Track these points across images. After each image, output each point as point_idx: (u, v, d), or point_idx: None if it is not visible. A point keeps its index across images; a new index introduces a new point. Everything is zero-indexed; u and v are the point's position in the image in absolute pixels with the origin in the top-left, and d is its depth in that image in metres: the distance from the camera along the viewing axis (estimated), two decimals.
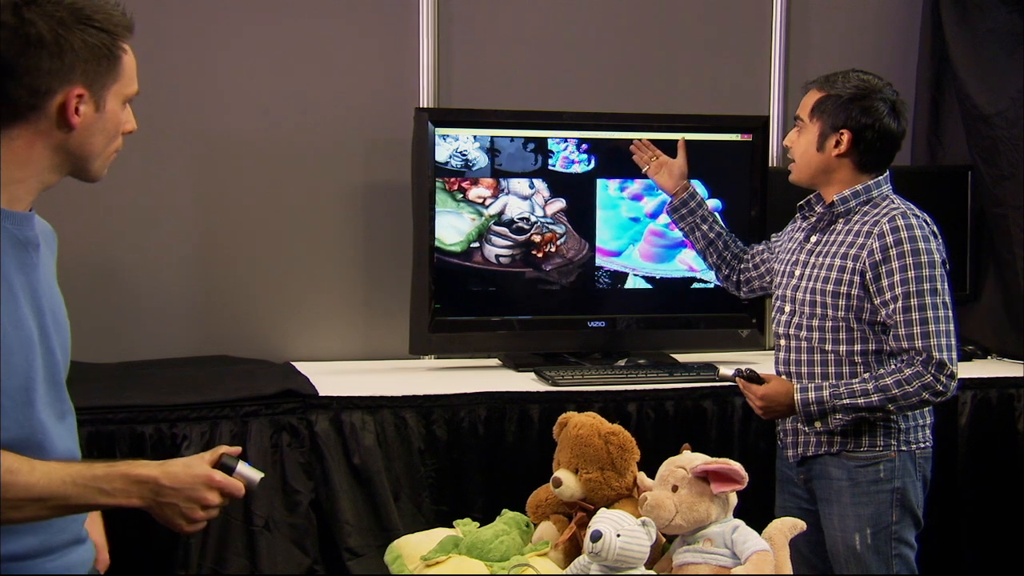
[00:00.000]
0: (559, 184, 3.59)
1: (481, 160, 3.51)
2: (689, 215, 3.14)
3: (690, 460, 2.08)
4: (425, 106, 3.64)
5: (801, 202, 2.88)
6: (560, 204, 3.62)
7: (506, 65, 3.79)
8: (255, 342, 3.60)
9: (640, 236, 3.70)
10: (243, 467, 1.78)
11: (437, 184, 3.47)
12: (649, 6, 3.92)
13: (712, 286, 3.69)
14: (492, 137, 3.50)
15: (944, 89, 4.09)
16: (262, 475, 1.83)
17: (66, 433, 1.76)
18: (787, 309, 2.82)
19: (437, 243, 3.49)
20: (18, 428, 1.66)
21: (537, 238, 3.63)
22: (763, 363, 3.69)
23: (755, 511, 2.14)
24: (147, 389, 3.08)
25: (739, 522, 2.05)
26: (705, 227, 3.13)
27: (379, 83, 3.68)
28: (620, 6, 3.90)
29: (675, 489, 2.05)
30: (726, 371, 2.83)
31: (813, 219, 2.83)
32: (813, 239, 2.81)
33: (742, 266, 3.12)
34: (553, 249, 3.65)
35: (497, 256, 3.59)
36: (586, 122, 3.60)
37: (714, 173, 3.67)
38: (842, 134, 2.72)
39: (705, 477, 2.04)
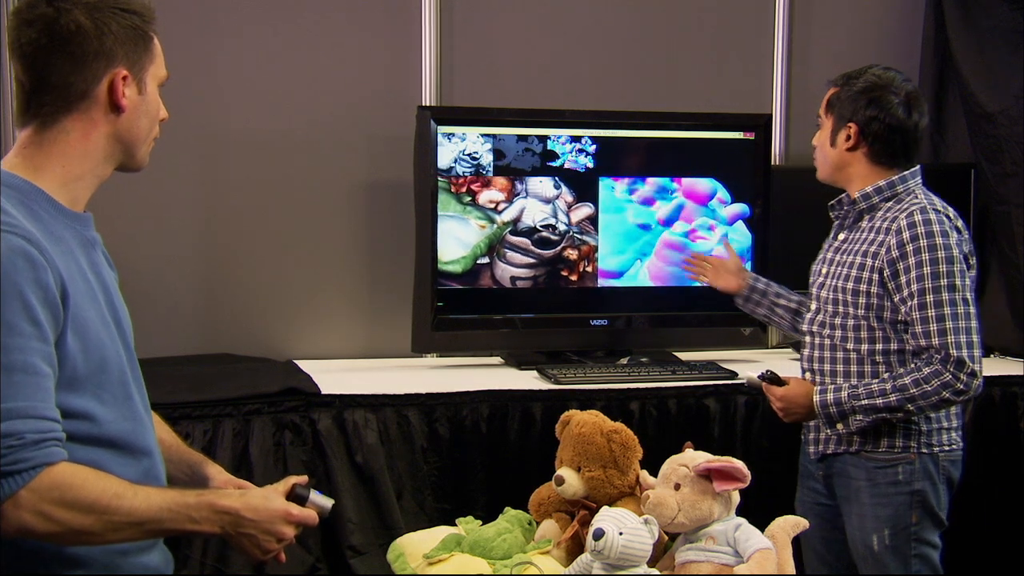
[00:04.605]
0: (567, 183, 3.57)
1: (487, 159, 3.48)
2: (763, 298, 3.07)
3: (692, 458, 2.08)
4: (427, 104, 3.64)
5: (832, 201, 2.82)
6: (588, 210, 3.55)
7: (509, 63, 3.79)
8: (258, 340, 3.60)
9: (651, 249, 3.65)
10: (315, 496, 1.88)
11: (440, 184, 3.46)
12: (652, 4, 3.92)
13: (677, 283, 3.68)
14: (497, 135, 3.49)
15: (947, 87, 4.09)
16: (332, 502, 1.92)
17: (152, 426, 1.84)
18: (813, 307, 2.80)
19: (438, 262, 3.43)
20: (124, 420, 1.73)
21: (572, 253, 3.54)
22: (765, 361, 3.71)
23: (757, 509, 2.13)
24: (150, 387, 3.06)
25: (741, 520, 2.05)
26: (783, 301, 3.04)
27: (382, 81, 3.68)
28: (623, 4, 3.90)
29: (677, 487, 2.05)
30: (751, 375, 2.81)
31: (842, 217, 2.80)
32: (841, 236, 2.79)
33: None
34: (590, 268, 3.60)
35: (514, 278, 3.51)
36: (589, 120, 3.59)
37: (717, 171, 3.67)
38: (850, 127, 2.70)
39: (707, 475, 2.04)
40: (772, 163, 3.80)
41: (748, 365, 3.59)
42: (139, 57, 1.75)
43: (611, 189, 3.59)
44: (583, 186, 3.57)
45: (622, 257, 3.62)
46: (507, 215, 3.51)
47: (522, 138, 3.52)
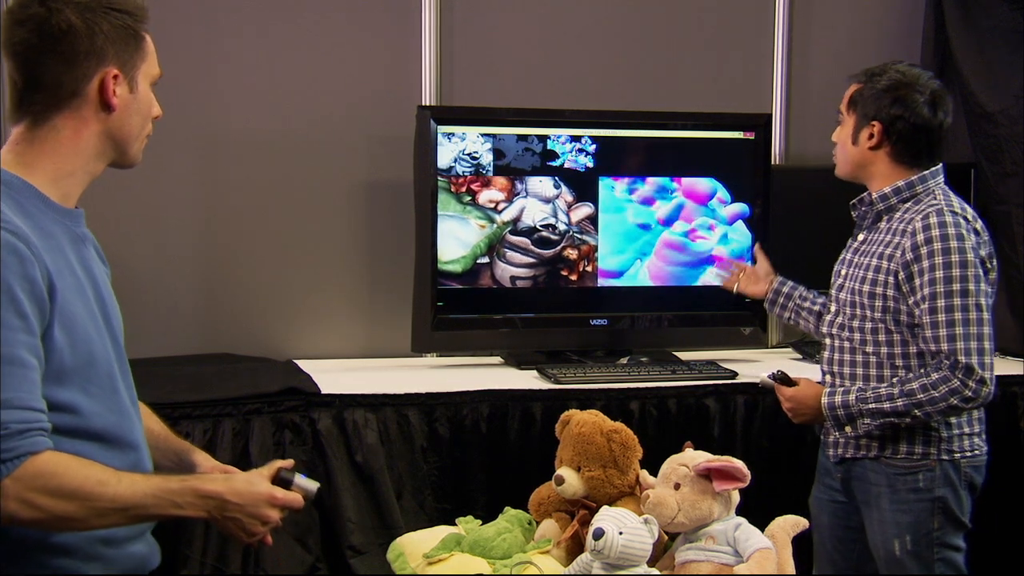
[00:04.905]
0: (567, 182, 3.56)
1: (487, 159, 3.47)
2: (787, 300, 3.06)
3: (692, 458, 2.08)
4: (427, 104, 3.64)
5: (853, 200, 2.78)
6: (587, 210, 3.55)
7: (508, 63, 3.78)
8: (258, 340, 3.60)
9: (650, 249, 3.65)
10: (300, 479, 1.91)
11: (440, 184, 3.45)
12: (652, 3, 3.92)
13: (715, 284, 3.69)
14: (497, 135, 3.49)
15: (947, 87, 4.07)
16: (318, 485, 1.93)
17: (139, 420, 1.88)
18: (832, 308, 2.77)
19: (438, 261, 3.44)
20: (110, 414, 1.77)
21: (572, 253, 3.54)
22: (765, 361, 3.71)
23: (757, 509, 2.14)
24: (150, 387, 3.06)
25: (741, 520, 2.05)
26: (808, 304, 3.01)
27: (382, 81, 3.68)
28: (623, 3, 3.90)
29: (677, 487, 2.05)
30: (764, 376, 2.79)
31: (862, 217, 2.76)
32: (860, 237, 2.75)
33: None
34: (590, 267, 3.59)
35: (513, 278, 3.51)
36: (589, 120, 3.59)
37: (717, 171, 3.67)
38: (873, 126, 2.66)
39: (707, 475, 2.04)
40: (772, 163, 3.80)
41: (749, 365, 3.59)
42: (130, 56, 1.78)
43: (611, 189, 3.59)
44: (583, 186, 3.57)
45: (622, 257, 3.61)
46: (507, 215, 3.51)
47: (522, 138, 3.51)
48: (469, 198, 3.47)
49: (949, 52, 4.03)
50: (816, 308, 2.99)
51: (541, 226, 3.52)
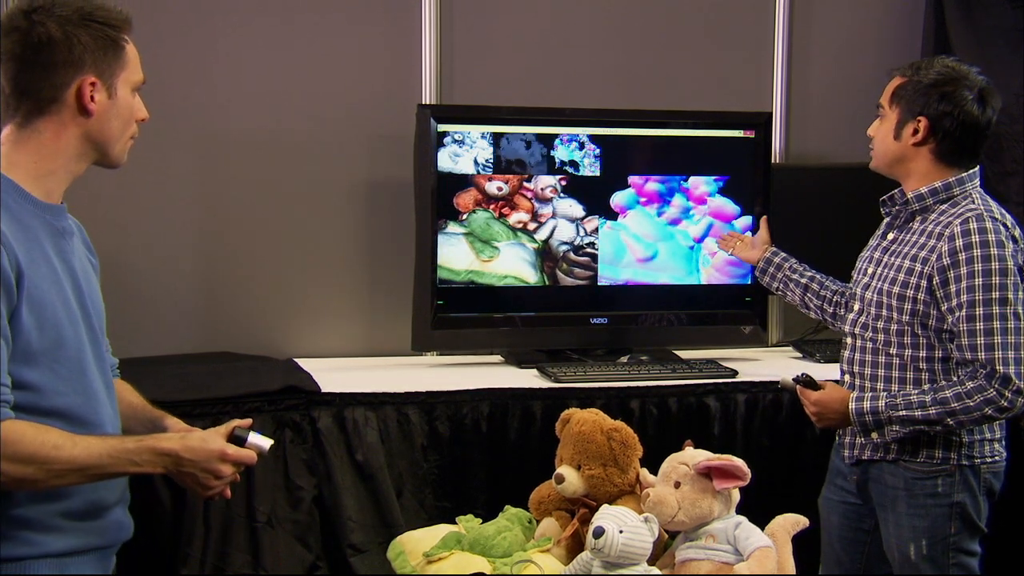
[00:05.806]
0: (579, 190, 3.58)
1: (502, 162, 3.49)
2: (777, 271, 3.04)
3: (692, 456, 2.09)
4: (428, 102, 3.64)
5: (884, 196, 2.73)
6: (595, 223, 3.59)
7: (509, 61, 3.78)
8: (258, 339, 3.60)
9: (697, 266, 3.68)
10: (253, 437, 2.02)
11: (484, 213, 3.47)
12: (653, 2, 3.92)
13: (714, 282, 3.69)
14: (501, 141, 3.49)
15: None
16: (271, 442, 2.06)
17: (112, 404, 2.00)
18: (856, 307, 2.72)
19: (516, 282, 3.53)
20: (75, 394, 1.89)
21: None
22: (764, 359, 3.71)
23: (757, 508, 2.14)
24: (150, 386, 3.05)
25: (741, 518, 2.06)
26: (796, 276, 3.00)
27: (382, 80, 3.68)
28: (623, 2, 3.90)
29: (677, 485, 2.05)
30: (786, 377, 2.74)
31: (892, 215, 2.72)
32: (891, 236, 2.70)
33: (845, 299, 2.88)
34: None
35: (573, 285, 3.61)
36: (589, 118, 3.59)
37: (717, 170, 3.67)
38: (919, 121, 2.59)
39: (707, 473, 2.04)
40: (772, 161, 3.80)
41: (749, 364, 3.59)
42: (109, 65, 1.91)
43: (649, 216, 3.61)
44: (595, 197, 3.58)
45: (692, 278, 3.69)
46: (541, 234, 3.55)
47: (534, 143, 3.51)
48: (507, 222, 3.50)
49: (949, 52, 4.02)
50: (803, 281, 2.98)
51: (585, 243, 3.58)
